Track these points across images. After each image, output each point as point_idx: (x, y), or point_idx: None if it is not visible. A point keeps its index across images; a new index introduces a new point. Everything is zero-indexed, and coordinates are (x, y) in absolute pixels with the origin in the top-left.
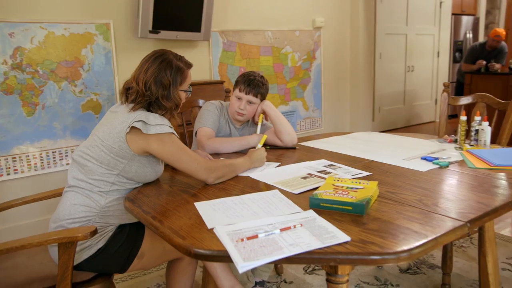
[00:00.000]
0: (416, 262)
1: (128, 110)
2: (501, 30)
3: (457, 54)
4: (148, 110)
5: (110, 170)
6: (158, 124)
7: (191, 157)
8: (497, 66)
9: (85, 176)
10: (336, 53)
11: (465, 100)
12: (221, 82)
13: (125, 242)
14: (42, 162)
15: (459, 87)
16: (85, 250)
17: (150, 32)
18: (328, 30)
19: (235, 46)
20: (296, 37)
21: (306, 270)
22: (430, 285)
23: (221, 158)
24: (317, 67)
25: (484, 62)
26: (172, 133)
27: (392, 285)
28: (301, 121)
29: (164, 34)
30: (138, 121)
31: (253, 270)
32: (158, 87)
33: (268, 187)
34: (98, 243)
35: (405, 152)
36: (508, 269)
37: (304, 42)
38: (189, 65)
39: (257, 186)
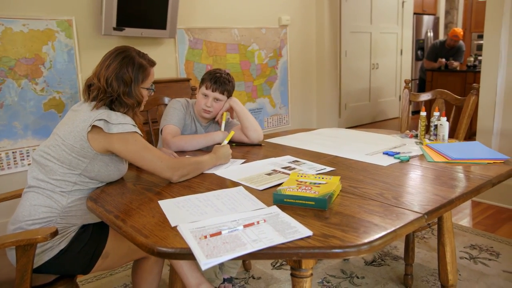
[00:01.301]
0: (380, 254)
1: (91, 108)
2: (459, 30)
3: (419, 52)
4: (111, 108)
5: (72, 170)
6: (121, 123)
7: (154, 156)
8: (456, 64)
9: (46, 176)
10: (302, 51)
11: (425, 96)
12: (188, 80)
13: (88, 242)
14: (2, 163)
15: (421, 84)
16: (46, 252)
17: (114, 29)
18: (294, 28)
19: (201, 43)
20: (262, 35)
21: (274, 266)
22: (393, 276)
23: (187, 156)
24: (284, 65)
25: (444, 60)
26: (135, 131)
27: (358, 278)
28: (268, 118)
29: (128, 31)
30: (100, 119)
31: (221, 267)
32: (120, 83)
33: (233, 184)
34: (60, 244)
35: (368, 147)
36: (466, 258)
37: (270, 39)
38: (152, 63)
39: (222, 183)
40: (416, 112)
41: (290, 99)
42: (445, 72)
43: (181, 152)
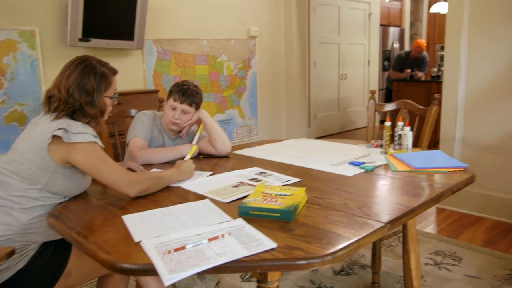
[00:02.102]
0: (348, 263)
1: (51, 119)
2: (422, 41)
3: (386, 62)
4: (72, 119)
5: (33, 185)
6: (80, 133)
7: (112, 169)
8: (420, 74)
9: (5, 193)
10: (271, 62)
11: (390, 107)
12: (155, 91)
13: (49, 261)
14: None
15: (388, 94)
16: (3, 273)
17: (80, 40)
18: (263, 39)
19: (170, 54)
20: (231, 46)
21: (243, 278)
22: (361, 284)
23: (153, 169)
24: (253, 76)
25: (409, 71)
26: (95, 142)
27: (327, 287)
28: (238, 129)
29: (95, 42)
30: (60, 129)
31: (202, 279)
32: (82, 93)
33: (199, 197)
34: (17, 264)
35: (334, 157)
36: (430, 264)
37: (239, 51)
38: (114, 71)
39: (188, 196)
40: (384, 122)
41: (259, 110)
42: (410, 82)
43: (148, 165)
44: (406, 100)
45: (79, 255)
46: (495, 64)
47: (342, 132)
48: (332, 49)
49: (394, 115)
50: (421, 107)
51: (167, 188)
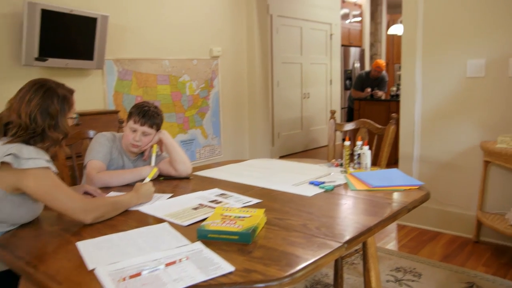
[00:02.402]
0: (311, 282)
1: (1, 144)
2: (381, 61)
3: (347, 81)
4: (28, 144)
5: None
6: (32, 158)
7: (66, 195)
8: (380, 93)
9: None
10: (234, 82)
11: (349, 126)
12: (116, 112)
13: None
14: None
15: (350, 112)
16: None
17: (36, 59)
18: (226, 59)
19: (131, 74)
20: (193, 66)
21: None
22: None
23: (111, 192)
24: (215, 95)
25: (369, 90)
26: (48, 167)
27: None
28: (201, 149)
29: (52, 62)
30: (9, 154)
31: None
32: (45, 117)
33: (158, 220)
34: None
35: (295, 177)
36: (391, 281)
37: (201, 70)
38: (72, 91)
39: (146, 220)
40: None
41: (222, 130)
42: (371, 101)
43: (106, 188)
44: (364, 119)
45: (28, 287)
46: (449, 83)
47: (305, 151)
48: (295, 69)
49: (355, 134)
50: (379, 126)
51: (125, 212)
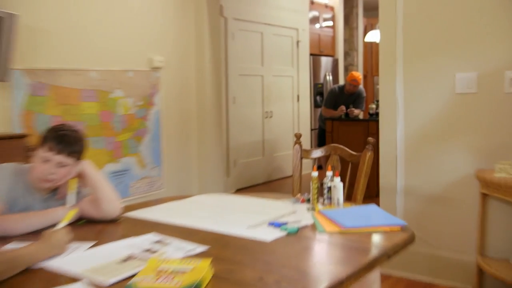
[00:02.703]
0: None
1: None
2: (357, 74)
3: (318, 97)
4: None
5: None
6: None
7: None
8: (357, 111)
9: None
10: (179, 98)
11: (318, 152)
12: (23, 136)
13: None
14: None
15: (321, 134)
16: None
17: None
18: (169, 71)
19: (47, 89)
20: (129, 79)
21: None
22: None
23: (10, 244)
24: (156, 115)
25: (344, 108)
26: None
27: None
28: (136, 182)
29: None
30: None
31: None
32: None
33: (73, 279)
34: None
35: (252, 217)
36: None
37: (139, 85)
38: None
39: (57, 279)
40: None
41: (164, 158)
42: (346, 121)
43: (5, 238)
44: (336, 145)
45: None
46: (435, 100)
47: (268, 182)
48: (255, 82)
49: (326, 161)
50: (354, 153)
51: (26, 271)
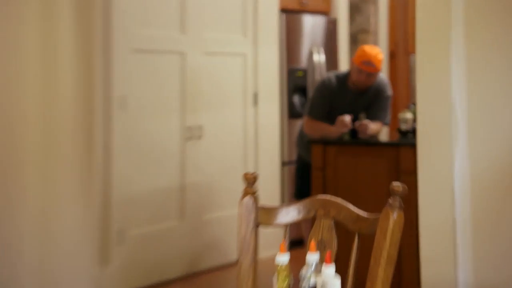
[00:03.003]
0: None
1: None
2: (374, 50)
3: (295, 98)
4: None
5: None
6: None
7: None
8: (374, 127)
9: None
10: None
11: (291, 213)
12: None
13: None
14: None
15: (302, 173)
16: None
17: None
18: None
19: None
20: None
21: None
22: None
23: None
24: None
25: (348, 119)
26: None
27: None
28: None
29: None
30: None
31: None
32: None
33: None
34: None
35: None
36: None
37: None
38: None
39: None
40: (296, 244)
41: None
42: (352, 147)
43: None
44: (329, 197)
45: None
46: None
47: (190, 277)
48: (168, 67)
49: (309, 231)
50: (364, 214)
51: None
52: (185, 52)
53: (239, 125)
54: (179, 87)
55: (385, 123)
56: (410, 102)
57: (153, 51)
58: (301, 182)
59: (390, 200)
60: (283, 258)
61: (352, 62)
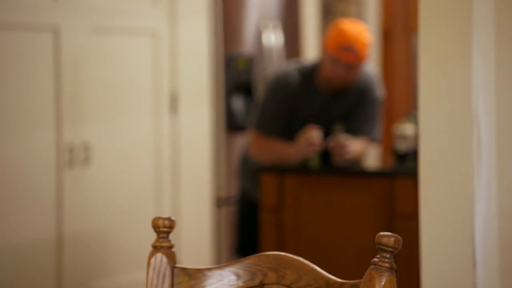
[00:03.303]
0: None
1: None
2: (358, 29)
3: (236, 100)
4: None
5: None
6: None
7: None
8: (356, 146)
9: None
10: None
11: (227, 279)
12: None
13: None
14: None
15: (249, 213)
16: None
17: None
18: None
19: None
20: None
21: None
22: None
23: None
24: None
25: (318, 135)
26: None
27: None
28: None
29: None
30: None
31: None
32: None
33: None
34: None
35: None
36: None
37: None
38: None
39: None
40: None
41: None
42: (324, 177)
43: None
44: (283, 254)
45: None
46: None
47: None
48: (31, 51)
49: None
50: (336, 280)
51: None
52: (59, 27)
53: (148, 143)
54: (52, 84)
55: (372, 140)
56: (412, 109)
57: (5, 27)
58: (245, 230)
59: (377, 259)
60: None
61: (323, 47)
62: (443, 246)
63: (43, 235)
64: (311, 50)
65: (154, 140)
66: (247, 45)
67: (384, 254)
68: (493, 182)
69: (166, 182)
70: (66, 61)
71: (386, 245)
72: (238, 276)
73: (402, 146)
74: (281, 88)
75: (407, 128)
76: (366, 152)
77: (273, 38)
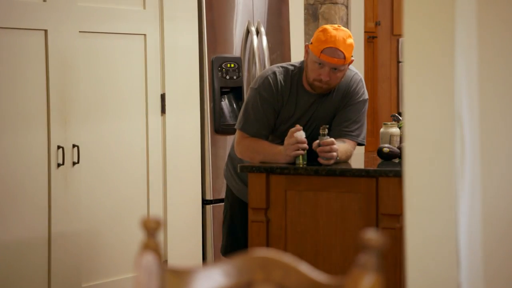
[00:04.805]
0: None
1: None
2: (343, 32)
3: (224, 102)
4: None
5: None
6: None
7: None
8: (342, 147)
9: None
10: None
11: (215, 279)
12: None
13: None
14: None
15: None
16: None
17: None
18: None
19: None
20: None
21: None
22: None
23: None
24: None
25: (300, 136)
26: None
27: None
28: None
29: None
30: None
31: None
32: None
33: None
34: None
35: None
36: None
37: None
38: None
39: None
40: None
41: None
42: (310, 177)
43: None
44: (271, 253)
45: None
46: None
47: None
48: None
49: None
50: (323, 278)
51: None
52: (48, 29)
53: (137, 144)
54: (42, 85)
55: (358, 142)
56: (397, 111)
57: None
58: (232, 230)
59: (362, 258)
60: None
61: (308, 49)
62: (427, 246)
63: (33, 234)
64: (297, 51)
65: (143, 141)
66: (235, 48)
67: (369, 253)
68: (477, 182)
69: (155, 183)
70: (55, 63)
71: (371, 244)
72: (226, 275)
73: (387, 148)
74: (267, 89)
75: (392, 130)
76: (351, 153)
77: (260, 41)
